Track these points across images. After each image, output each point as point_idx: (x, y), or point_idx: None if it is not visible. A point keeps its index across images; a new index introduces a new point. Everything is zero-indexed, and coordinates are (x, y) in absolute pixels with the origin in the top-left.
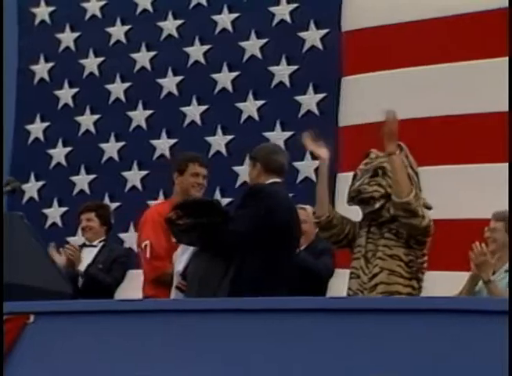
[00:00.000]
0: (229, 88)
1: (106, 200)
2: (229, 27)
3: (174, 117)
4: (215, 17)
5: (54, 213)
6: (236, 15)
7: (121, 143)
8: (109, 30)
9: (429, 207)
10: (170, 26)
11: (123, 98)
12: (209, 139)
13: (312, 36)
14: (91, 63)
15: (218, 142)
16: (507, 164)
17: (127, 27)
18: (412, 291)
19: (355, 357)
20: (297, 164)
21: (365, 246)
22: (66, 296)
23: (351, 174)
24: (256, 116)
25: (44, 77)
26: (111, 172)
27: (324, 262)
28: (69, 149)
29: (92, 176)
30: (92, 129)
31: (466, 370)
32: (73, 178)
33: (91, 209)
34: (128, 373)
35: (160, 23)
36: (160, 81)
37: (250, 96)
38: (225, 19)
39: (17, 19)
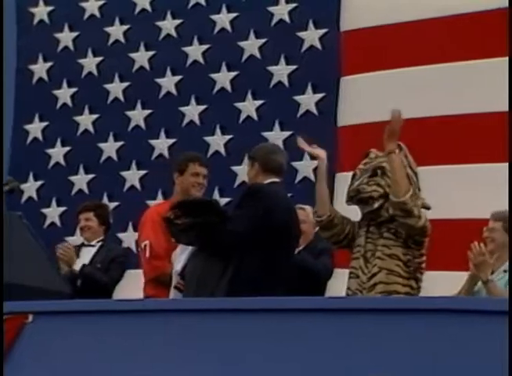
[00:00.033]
0: (228, 87)
1: (105, 200)
2: (228, 27)
3: (173, 116)
4: (214, 17)
5: (53, 213)
6: (234, 14)
7: (120, 143)
8: (108, 29)
9: (428, 208)
10: (168, 25)
11: (121, 97)
12: (208, 138)
13: (311, 36)
14: (90, 63)
15: (217, 141)
16: (506, 164)
17: (125, 27)
18: (410, 291)
19: (354, 357)
20: (295, 163)
21: (364, 246)
22: (65, 296)
23: (349, 174)
24: (255, 116)
25: (42, 77)
26: (110, 172)
27: (323, 262)
28: (67, 148)
29: (91, 176)
30: (91, 129)
31: (466, 370)
32: (72, 178)
33: (90, 209)
34: (127, 373)
35: (159, 23)
36: (158, 80)
37: (249, 96)
38: (223, 19)
39: (16, 19)
